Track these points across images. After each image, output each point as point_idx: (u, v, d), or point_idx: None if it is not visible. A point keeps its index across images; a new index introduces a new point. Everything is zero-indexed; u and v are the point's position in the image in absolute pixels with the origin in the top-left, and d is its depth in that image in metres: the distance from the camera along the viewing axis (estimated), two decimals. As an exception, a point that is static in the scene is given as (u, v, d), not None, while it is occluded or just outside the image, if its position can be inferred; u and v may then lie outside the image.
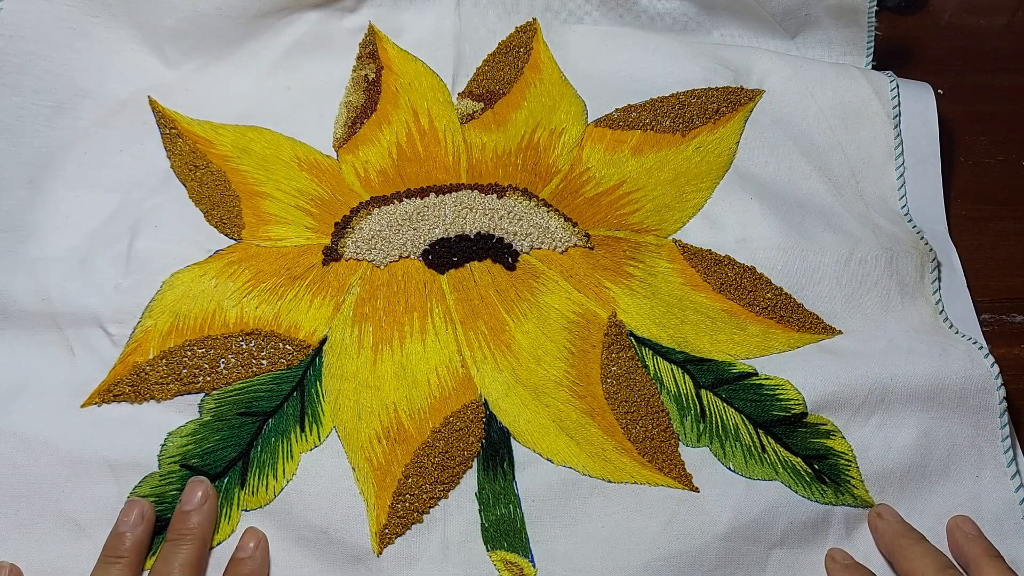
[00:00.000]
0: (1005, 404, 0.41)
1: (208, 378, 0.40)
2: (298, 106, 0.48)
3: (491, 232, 0.44)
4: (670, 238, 0.45)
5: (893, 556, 0.38)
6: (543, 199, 0.46)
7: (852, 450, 0.40)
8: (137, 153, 0.46)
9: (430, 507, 0.38)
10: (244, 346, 0.41)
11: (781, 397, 0.41)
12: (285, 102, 0.48)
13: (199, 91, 0.48)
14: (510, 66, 0.50)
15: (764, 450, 0.40)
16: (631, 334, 0.42)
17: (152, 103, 0.47)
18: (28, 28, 0.45)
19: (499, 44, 0.51)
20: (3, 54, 0.45)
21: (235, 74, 0.48)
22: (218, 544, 0.37)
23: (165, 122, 0.47)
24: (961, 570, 0.37)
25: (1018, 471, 0.41)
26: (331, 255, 0.43)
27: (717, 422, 0.40)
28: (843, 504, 0.40)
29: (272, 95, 0.48)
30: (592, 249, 0.44)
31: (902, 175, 0.48)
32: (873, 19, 0.52)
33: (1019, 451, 0.41)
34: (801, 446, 0.40)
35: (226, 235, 0.44)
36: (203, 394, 0.40)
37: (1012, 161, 0.53)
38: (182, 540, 0.35)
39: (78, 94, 0.46)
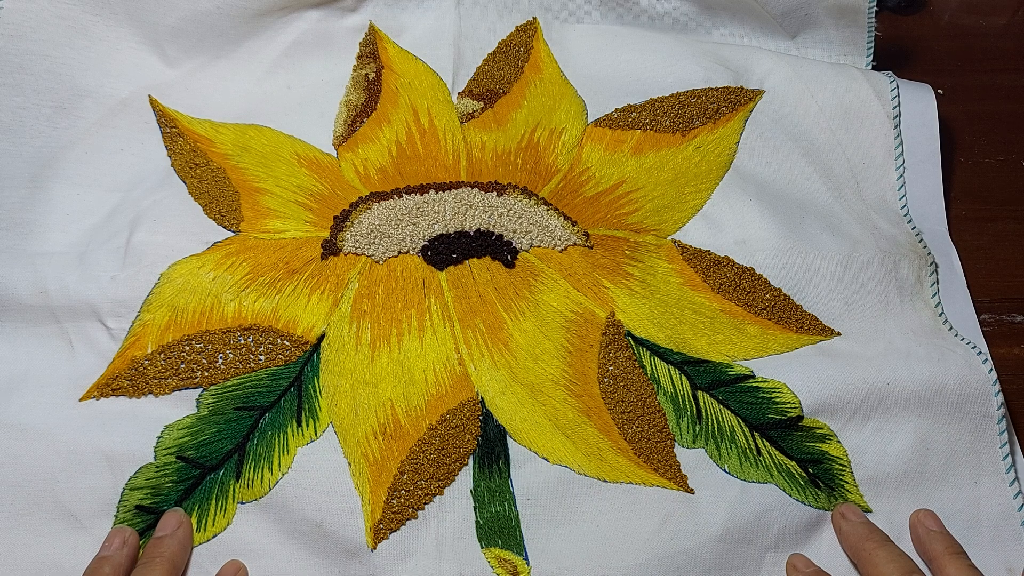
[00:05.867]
0: (1004, 411, 0.40)
1: (206, 373, 0.39)
2: (298, 105, 0.47)
3: (491, 229, 0.43)
4: (669, 238, 0.44)
5: (858, 559, 0.37)
6: (543, 198, 0.44)
7: (847, 455, 0.39)
8: (138, 152, 0.45)
9: (425, 503, 0.37)
10: (242, 341, 0.40)
11: (778, 400, 0.40)
12: (285, 101, 0.48)
13: (199, 90, 0.47)
14: (510, 65, 0.49)
15: (759, 453, 0.39)
16: (629, 334, 0.41)
17: (152, 102, 0.47)
18: (29, 27, 0.45)
19: (499, 43, 0.50)
20: (4, 53, 0.44)
21: (235, 73, 0.48)
22: (213, 537, 0.37)
23: (166, 121, 0.46)
24: (927, 573, 0.35)
25: (1017, 478, 0.40)
26: (330, 249, 0.42)
27: (713, 424, 0.39)
28: (835, 508, 0.38)
29: (272, 94, 0.48)
30: (591, 248, 0.43)
31: (902, 175, 0.47)
32: (873, 19, 0.51)
33: (1019, 457, 0.40)
34: (796, 450, 0.39)
35: (224, 227, 0.43)
36: (201, 389, 0.39)
37: (1012, 161, 0.52)
38: (151, 563, 0.35)
39: (79, 93, 0.46)
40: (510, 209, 0.44)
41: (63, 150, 0.44)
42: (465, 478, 0.38)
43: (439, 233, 0.43)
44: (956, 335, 0.42)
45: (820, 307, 0.43)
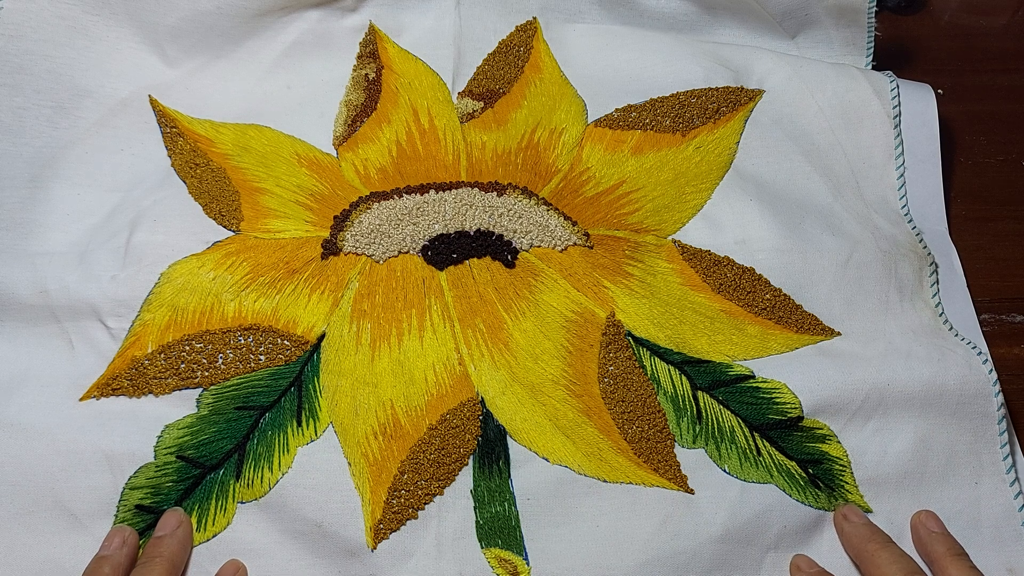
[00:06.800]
0: (1004, 411, 0.40)
1: (206, 373, 0.39)
2: (298, 105, 0.47)
3: (491, 229, 0.43)
4: (669, 238, 0.44)
5: (860, 560, 0.37)
6: (543, 198, 0.44)
7: (847, 455, 0.39)
8: (138, 152, 0.45)
9: (425, 503, 0.37)
10: (242, 341, 0.39)
11: (778, 400, 0.39)
12: (285, 101, 0.47)
13: (199, 90, 0.47)
14: (510, 65, 0.49)
15: (759, 453, 0.39)
16: (629, 334, 0.41)
17: (153, 102, 0.47)
18: (29, 27, 0.44)
19: (499, 43, 0.50)
20: (4, 54, 0.44)
21: (235, 73, 0.47)
22: (213, 536, 0.36)
23: (166, 121, 0.46)
24: (929, 574, 0.35)
25: (1017, 478, 0.39)
26: (330, 248, 0.42)
27: (713, 424, 0.39)
28: (836, 509, 0.38)
29: (272, 94, 0.47)
30: (591, 248, 0.43)
31: (902, 175, 0.47)
32: (873, 19, 0.51)
33: (1019, 457, 0.40)
34: (796, 450, 0.39)
35: (224, 227, 0.43)
36: (201, 389, 0.39)
37: (1012, 161, 0.52)
38: (151, 562, 0.34)
39: (79, 94, 0.45)
40: (510, 209, 0.43)
41: (63, 150, 0.44)
42: (465, 478, 0.37)
43: (439, 233, 0.42)
44: (956, 335, 0.42)
45: (820, 307, 0.42)
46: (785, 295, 0.42)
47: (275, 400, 0.38)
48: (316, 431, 0.38)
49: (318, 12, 0.48)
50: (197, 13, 0.46)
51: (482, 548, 0.36)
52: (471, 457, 0.38)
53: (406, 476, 0.37)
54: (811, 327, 0.42)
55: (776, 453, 0.39)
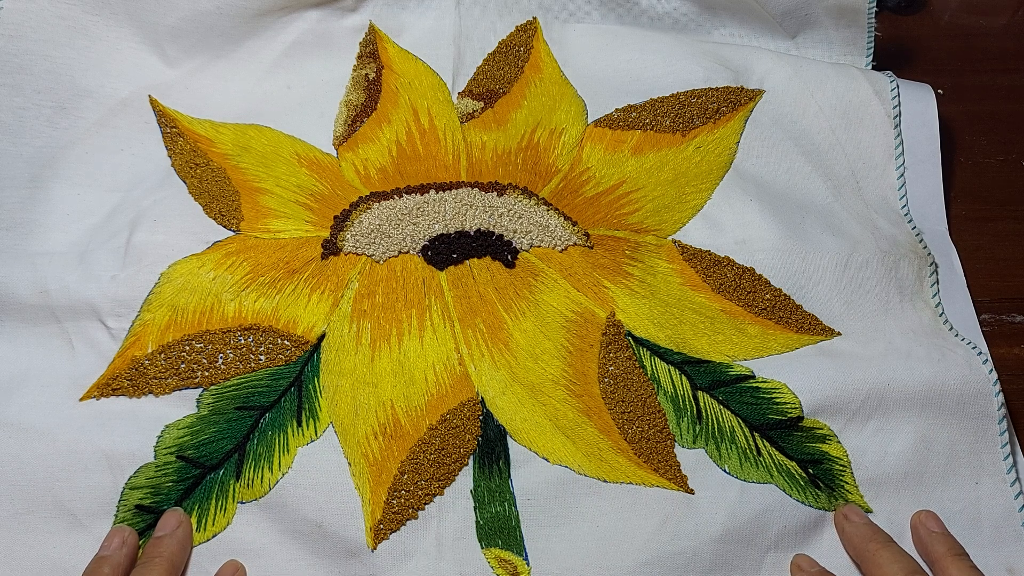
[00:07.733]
0: (1004, 411, 0.40)
1: (207, 373, 0.39)
2: (298, 105, 0.47)
3: (491, 229, 0.43)
4: (670, 238, 0.44)
5: (861, 560, 0.37)
6: (543, 198, 0.44)
7: (847, 455, 0.39)
8: (138, 152, 0.45)
9: (425, 503, 0.37)
10: (243, 341, 0.39)
11: (778, 401, 0.39)
12: (285, 101, 0.47)
13: (199, 90, 0.47)
14: (510, 65, 0.49)
15: (759, 453, 0.39)
16: (629, 334, 0.41)
17: (153, 102, 0.47)
18: (29, 27, 0.44)
19: (499, 43, 0.50)
20: (4, 54, 0.44)
21: (235, 73, 0.47)
22: (213, 536, 0.36)
23: (166, 121, 0.46)
24: (930, 573, 0.35)
25: (1018, 478, 0.39)
26: (330, 248, 0.42)
27: (713, 424, 0.39)
28: (837, 509, 0.38)
29: (272, 94, 0.47)
30: (591, 248, 0.43)
31: (902, 175, 0.47)
32: (873, 19, 0.51)
33: (1019, 457, 0.40)
34: (796, 450, 0.39)
35: (224, 227, 0.43)
36: (201, 389, 0.39)
37: (1012, 161, 0.52)
38: (151, 562, 0.34)
39: (79, 94, 0.45)
40: (510, 209, 0.43)
41: (63, 150, 0.44)
42: (465, 478, 0.37)
43: (439, 233, 0.43)
44: (956, 335, 0.42)
45: (820, 307, 0.42)
46: (785, 295, 0.42)
47: (275, 400, 0.38)
48: (316, 431, 0.38)
49: (318, 12, 0.48)
50: (197, 13, 0.46)
51: (482, 548, 0.36)
52: (471, 457, 0.38)
53: (406, 476, 0.37)
54: (811, 327, 0.42)
55: (776, 453, 0.39)
